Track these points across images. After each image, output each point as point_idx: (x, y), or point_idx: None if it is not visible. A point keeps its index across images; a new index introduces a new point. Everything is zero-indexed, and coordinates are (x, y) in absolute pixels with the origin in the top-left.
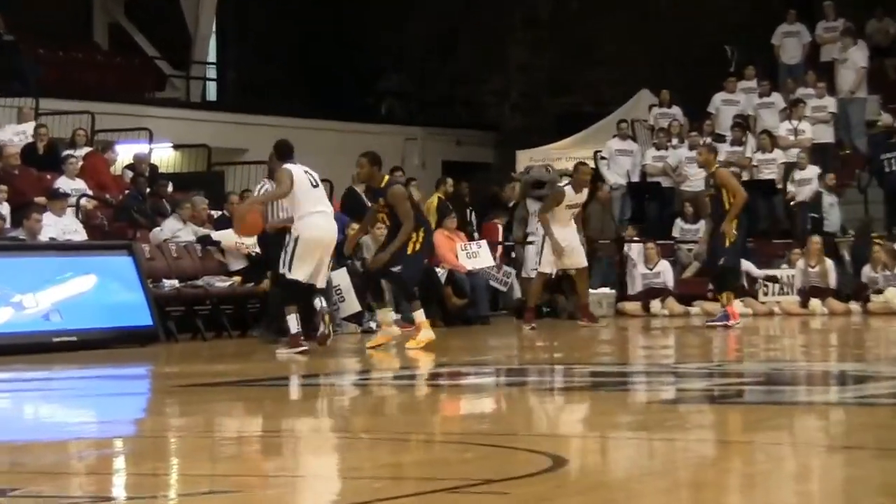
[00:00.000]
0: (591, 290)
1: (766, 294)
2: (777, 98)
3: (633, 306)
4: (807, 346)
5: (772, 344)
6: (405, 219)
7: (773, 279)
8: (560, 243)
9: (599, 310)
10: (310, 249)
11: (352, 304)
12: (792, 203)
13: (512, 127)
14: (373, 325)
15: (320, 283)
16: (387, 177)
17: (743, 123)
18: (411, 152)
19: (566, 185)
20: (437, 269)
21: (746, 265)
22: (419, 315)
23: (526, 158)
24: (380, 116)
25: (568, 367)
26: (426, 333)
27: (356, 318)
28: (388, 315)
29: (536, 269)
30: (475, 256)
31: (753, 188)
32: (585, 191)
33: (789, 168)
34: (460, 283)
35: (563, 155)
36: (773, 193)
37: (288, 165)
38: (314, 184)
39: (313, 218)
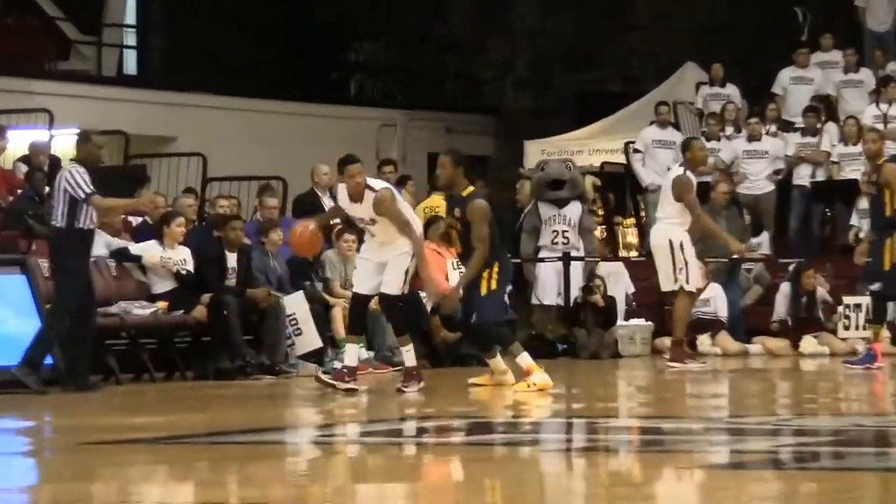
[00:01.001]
0: (621, 322)
1: (846, 328)
2: (866, 75)
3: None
4: None
5: (855, 393)
6: (479, 243)
7: (857, 308)
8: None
9: (631, 346)
10: None
11: (310, 339)
12: None
13: (517, 110)
14: (336, 364)
15: None
16: (471, 187)
17: (819, 107)
18: (388, 142)
19: (683, 170)
20: (423, 294)
21: (820, 289)
22: (523, 359)
23: (536, 151)
24: (348, 97)
25: (590, 422)
26: (540, 378)
27: (316, 356)
28: (500, 363)
29: (680, 287)
30: None
31: (833, 191)
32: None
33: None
34: (452, 312)
35: (583, 147)
36: (857, 197)
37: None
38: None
39: None
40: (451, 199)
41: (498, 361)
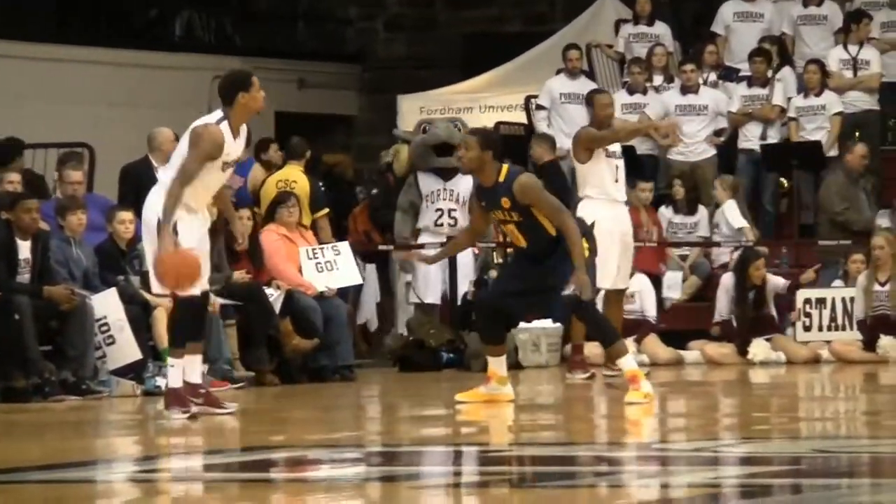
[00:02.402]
0: (523, 325)
1: (807, 328)
2: (830, 9)
3: (590, 349)
4: (872, 415)
5: (816, 410)
6: (562, 213)
7: (820, 304)
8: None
9: (535, 355)
10: None
11: (127, 349)
12: None
13: (388, 58)
14: (160, 382)
15: None
16: (504, 166)
17: (770, 50)
18: None
19: (587, 126)
20: (269, 291)
21: (773, 281)
22: (626, 362)
23: (413, 108)
24: (172, 40)
25: (481, 451)
26: (644, 387)
27: (133, 371)
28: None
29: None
30: (331, 269)
31: (790, 155)
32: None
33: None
34: (306, 313)
35: (473, 103)
36: (820, 164)
37: None
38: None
39: None
40: (482, 189)
41: (496, 365)
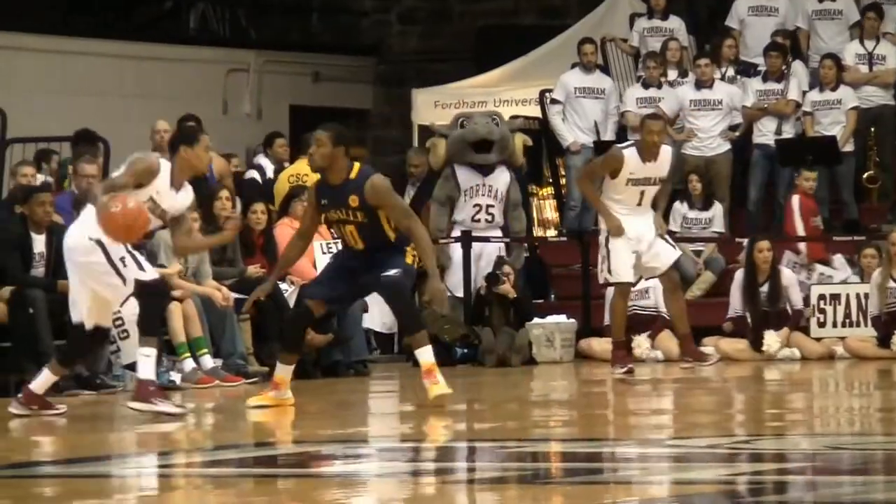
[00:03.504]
0: (537, 320)
1: (821, 325)
2: (845, 3)
3: (603, 345)
4: (886, 411)
5: (830, 406)
6: (409, 218)
7: (835, 300)
8: (616, 221)
9: (549, 350)
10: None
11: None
12: (866, 177)
13: (403, 50)
14: (174, 377)
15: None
16: (356, 164)
17: (785, 44)
18: (239, 91)
19: (627, 146)
20: (283, 286)
21: (787, 276)
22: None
23: (427, 102)
24: (186, 34)
25: (497, 446)
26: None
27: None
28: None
29: (608, 281)
30: None
31: (804, 150)
32: (664, 160)
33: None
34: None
35: (487, 97)
36: (834, 160)
37: None
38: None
39: None
40: (327, 187)
41: (429, 354)
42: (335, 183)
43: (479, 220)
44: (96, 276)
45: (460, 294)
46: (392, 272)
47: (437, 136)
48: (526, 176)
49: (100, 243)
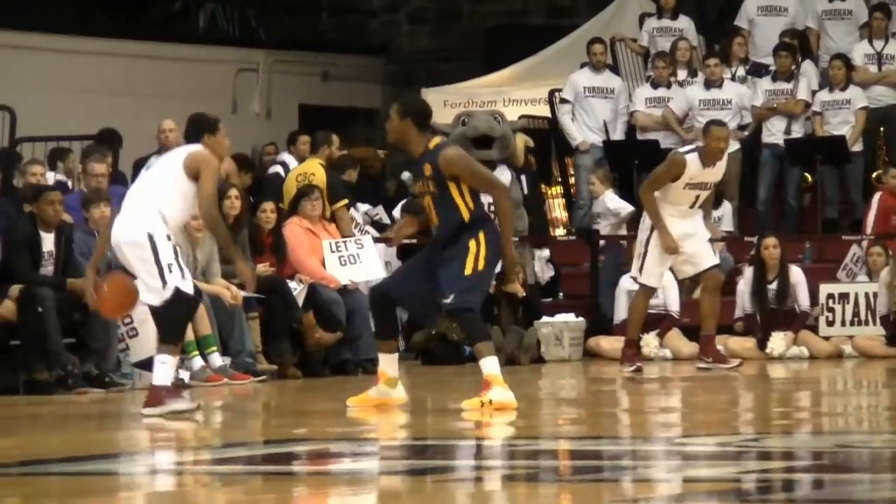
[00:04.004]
0: (546, 319)
1: (830, 323)
2: (854, 3)
3: (612, 343)
4: (894, 410)
5: (838, 405)
6: (492, 186)
7: (843, 298)
8: (672, 241)
9: (557, 348)
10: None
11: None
12: (874, 177)
13: (411, 49)
14: (183, 375)
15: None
16: (436, 138)
17: (794, 44)
18: (248, 91)
19: (689, 151)
20: (292, 284)
21: (796, 275)
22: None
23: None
24: (196, 33)
25: (505, 444)
26: (501, 394)
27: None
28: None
29: (637, 280)
30: (354, 262)
31: (814, 150)
32: (721, 165)
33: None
34: (329, 307)
35: (496, 97)
36: (844, 160)
37: None
38: (148, 166)
39: None
40: (413, 161)
41: (493, 366)
42: (415, 156)
43: None
44: (139, 272)
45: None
46: (449, 300)
47: (438, 136)
48: (537, 175)
49: (152, 241)
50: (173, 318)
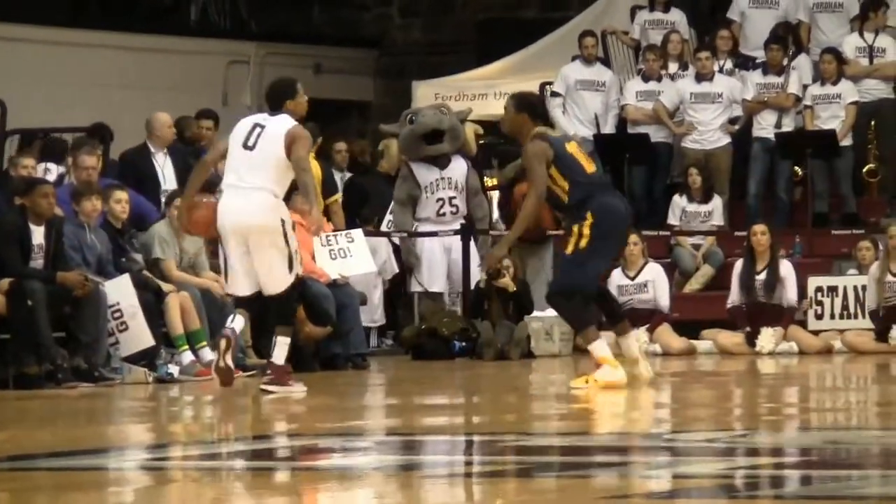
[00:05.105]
0: (536, 314)
1: (819, 317)
2: None
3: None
4: (884, 405)
5: (827, 401)
6: (531, 187)
7: (832, 292)
8: None
9: (547, 343)
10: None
11: (139, 336)
12: (866, 171)
13: (404, 42)
14: (172, 369)
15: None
16: (538, 130)
17: (786, 37)
18: (239, 83)
19: None
20: None
21: (786, 268)
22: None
23: (429, 94)
24: (187, 25)
25: (494, 440)
26: (611, 374)
27: (146, 358)
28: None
29: None
30: (345, 256)
31: (804, 144)
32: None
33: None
34: (319, 301)
35: (488, 89)
36: (834, 154)
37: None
38: (246, 144)
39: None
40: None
41: (599, 348)
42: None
43: (444, 214)
44: (270, 257)
45: (435, 289)
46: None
47: (388, 139)
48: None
49: (283, 227)
50: (293, 301)
